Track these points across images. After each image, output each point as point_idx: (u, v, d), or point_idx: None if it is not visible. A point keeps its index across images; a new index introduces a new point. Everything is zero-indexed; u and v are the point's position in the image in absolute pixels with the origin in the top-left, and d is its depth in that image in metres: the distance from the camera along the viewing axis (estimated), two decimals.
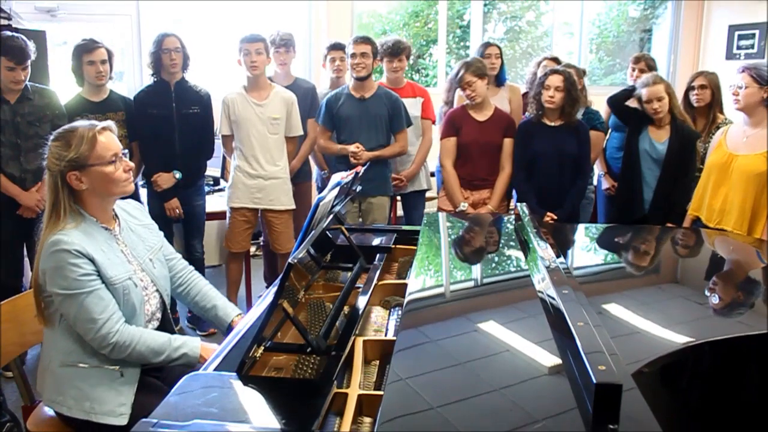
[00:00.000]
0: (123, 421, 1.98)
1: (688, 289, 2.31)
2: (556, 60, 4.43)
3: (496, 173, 3.89)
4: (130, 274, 2.08)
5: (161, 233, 2.41)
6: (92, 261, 1.97)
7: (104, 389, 2.02)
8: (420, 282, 2.03)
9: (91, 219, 2.07)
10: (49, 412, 2.14)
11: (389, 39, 4.34)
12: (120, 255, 2.10)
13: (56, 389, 2.04)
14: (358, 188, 2.69)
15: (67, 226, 1.99)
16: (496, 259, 2.46)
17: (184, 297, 2.42)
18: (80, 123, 2.09)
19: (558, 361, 1.42)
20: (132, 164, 2.16)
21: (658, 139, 3.71)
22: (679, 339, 1.70)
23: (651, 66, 4.51)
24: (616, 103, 3.94)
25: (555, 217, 3.66)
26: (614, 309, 1.91)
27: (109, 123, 2.11)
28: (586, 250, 2.82)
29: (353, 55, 3.93)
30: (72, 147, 2.00)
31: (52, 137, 2.07)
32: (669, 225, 3.57)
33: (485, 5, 6.91)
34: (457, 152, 3.91)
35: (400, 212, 4.74)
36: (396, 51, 4.27)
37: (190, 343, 2.10)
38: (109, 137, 2.08)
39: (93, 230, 2.05)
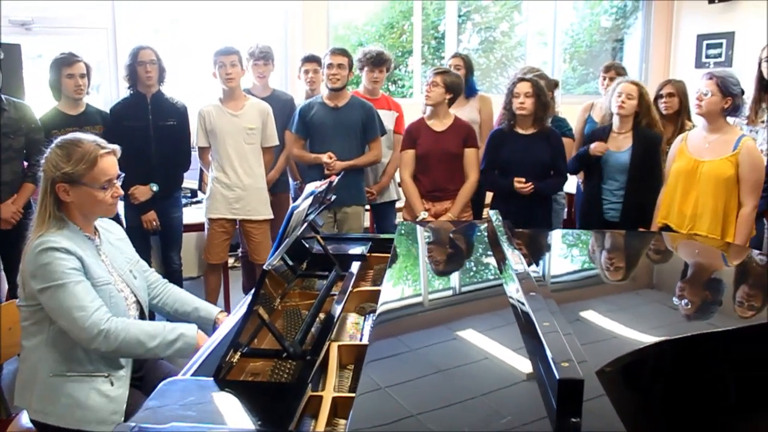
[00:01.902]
0: None
1: (661, 294, 2.36)
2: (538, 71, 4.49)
3: (456, 182, 3.88)
4: (111, 281, 2.11)
5: (134, 248, 2.43)
6: (79, 259, 2.01)
7: (95, 398, 2.03)
8: (392, 291, 2.07)
9: (75, 227, 2.10)
10: (26, 424, 2.14)
11: (373, 49, 4.37)
12: (101, 264, 2.13)
13: (45, 399, 2.04)
14: (333, 197, 2.72)
15: (51, 230, 2.02)
16: (469, 267, 2.50)
17: (161, 308, 2.42)
18: (88, 138, 2.11)
19: (528, 368, 1.46)
20: (121, 192, 2.19)
21: (619, 149, 3.73)
22: (648, 340, 1.75)
23: (621, 74, 4.57)
24: (577, 166, 4.00)
25: (526, 184, 3.66)
26: (588, 314, 1.95)
27: (116, 147, 2.14)
28: (560, 257, 2.87)
29: (330, 66, 3.97)
30: (71, 161, 2.04)
31: (56, 142, 2.10)
32: (642, 230, 3.62)
33: (460, 16, 7.00)
34: (417, 163, 3.92)
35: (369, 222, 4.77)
36: (379, 62, 4.32)
37: (185, 325, 2.12)
38: (110, 161, 2.11)
39: (76, 236, 2.08)
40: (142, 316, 2.25)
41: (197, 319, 2.36)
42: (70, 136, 2.13)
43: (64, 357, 2.03)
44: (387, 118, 4.38)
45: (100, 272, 2.08)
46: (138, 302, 2.24)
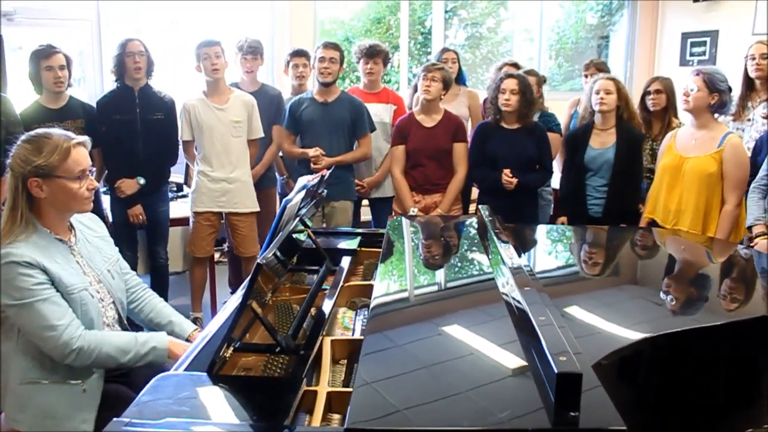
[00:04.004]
0: None
1: (646, 289, 2.37)
2: (515, 65, 4.51)
3: (447, 177, 3.93)
4: (85, 285, 2.05)
5: (116, 248, 2.37)
6: (45, 271, 1.93)
7: (66, 406, 1.99)
8: (385, 287, 2.06)
9: (44, 231, 2.03)
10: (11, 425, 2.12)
11: (366, 42, 4.38)
12: (75, 266, 2.07)
13: (17, 407, 2.00)
14: (324, 191, 2.72)
15: (18, 239, 1.94)
16: (461, 262, 2.50)
17: (137, 314, 2.37)
18: (57, 131, 2.06)
19: (523, 362, 1.46)
20: (96, 184, 2.14)
21: (602, 146, 3.74)
22: (637, 335, 1.76)
23: (602, 70, 4.60)
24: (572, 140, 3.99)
25: (513, 177, 3.68)
26: (576, 310, 1.96)
27: (86, 138, 2.09)
28: (548, 252, 2.88)
29: (321, 59, 3.96)
30: (42, 154, 1.97)
31: (23, 138, 2.03)
32: (623, 225, 3.64)
33: (446, 12, 6.99)
34: (408, 158, 3.96)
35: (368, 216, 4.76)
36: (370, 53, 4.30)
37: (156, 337, 2.09)
38: (82, 153, 2.05)
39: (46, 242, 2.01)
40: (119, 318, 2.21)
41: (170, 333, 2.29)
42: (35, 131, 2.06)
43: (34, 364, 1.99)
44: (385, 111, 4.38)
45: (71, 279, 2.00)
46: (114, 303, 2.19)
